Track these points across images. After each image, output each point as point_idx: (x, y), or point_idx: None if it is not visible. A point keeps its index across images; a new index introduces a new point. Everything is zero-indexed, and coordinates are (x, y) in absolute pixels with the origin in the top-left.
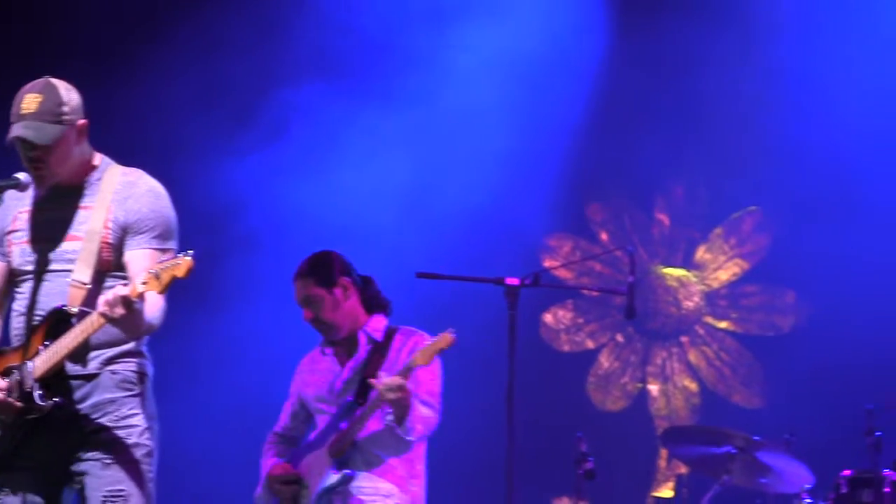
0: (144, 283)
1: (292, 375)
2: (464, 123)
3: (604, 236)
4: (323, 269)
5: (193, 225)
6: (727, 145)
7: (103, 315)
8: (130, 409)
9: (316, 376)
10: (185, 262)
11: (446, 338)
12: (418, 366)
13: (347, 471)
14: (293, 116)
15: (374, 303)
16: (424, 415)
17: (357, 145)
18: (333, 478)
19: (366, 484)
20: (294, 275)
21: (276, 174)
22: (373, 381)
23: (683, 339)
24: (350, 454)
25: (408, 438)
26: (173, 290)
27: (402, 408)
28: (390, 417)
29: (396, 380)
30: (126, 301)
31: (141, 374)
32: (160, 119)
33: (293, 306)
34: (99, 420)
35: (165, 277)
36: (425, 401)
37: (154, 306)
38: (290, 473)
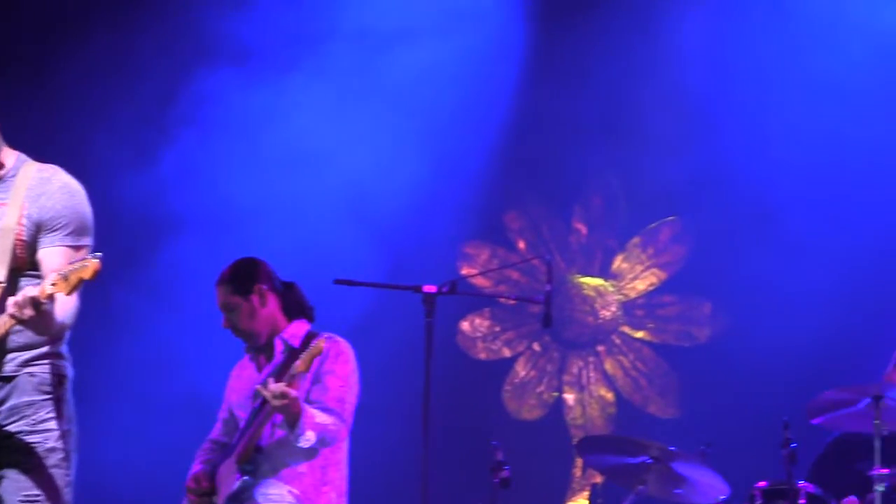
0: (53, 285)
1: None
2: (383, 131)
3: (521, 245)
4: (240, 276)
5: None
6: (645, 155)
7: (12, 316)
8: (48, 412)
9: (240, 382)
10: (91, 264)
11: (319, 345)
12: (300, 373)
13: (248, 477)
14: (205, 109)
15: (296, 308)
16: (321, 422)
17: (275, 154)
18: (235, 485)
19: (273, 491)
20: (216, 281)
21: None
22: (259, 387)
23: (600, 348)
24: (258, 461)
25: (299, 445)
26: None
27: (290, 415)
28: (282, 423)
29: (280, 387)
30: (35, 302)
31: (59, 377)
32: (71, 118)
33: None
34: (15, 423)
35: (73, 279)
36: (331, 408)
37: (65, 307)
38: (199, 486)
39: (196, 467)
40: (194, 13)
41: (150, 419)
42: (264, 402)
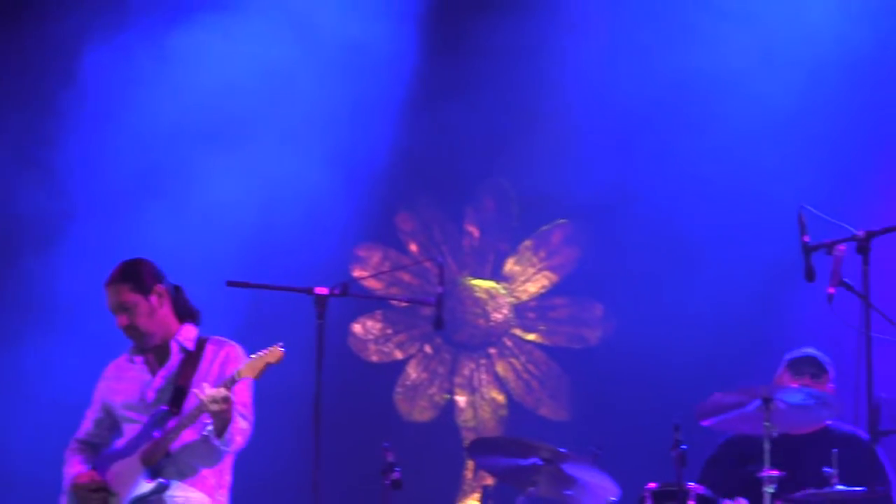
0: None
1: (95, 382)
2: (276, 133)
3: (413, 247)
4: (138, 275)
5: None
6: (537, 159)
7: None
8: None
9: (124, 384)
10: None
11: (275, 352)
12: (244, 377)
13: (163, 480)
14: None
15: (185, 311)
16: (242, 427)
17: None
18: (147, 486)
19: (178, 493)
20: (106, 281)
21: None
22: (196, 391)
23: (491, 350)
24: (163, 463)
25: (226, 450)
26: None
27: (223, 420)
28: (210, 429)
29: (221, 391)
30: None
31: None
32: None
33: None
34: None
35: None
36: (241, 413)
37: None
38: (98, 481)
39: (77, 467)
40: None
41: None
42: (173, 404)
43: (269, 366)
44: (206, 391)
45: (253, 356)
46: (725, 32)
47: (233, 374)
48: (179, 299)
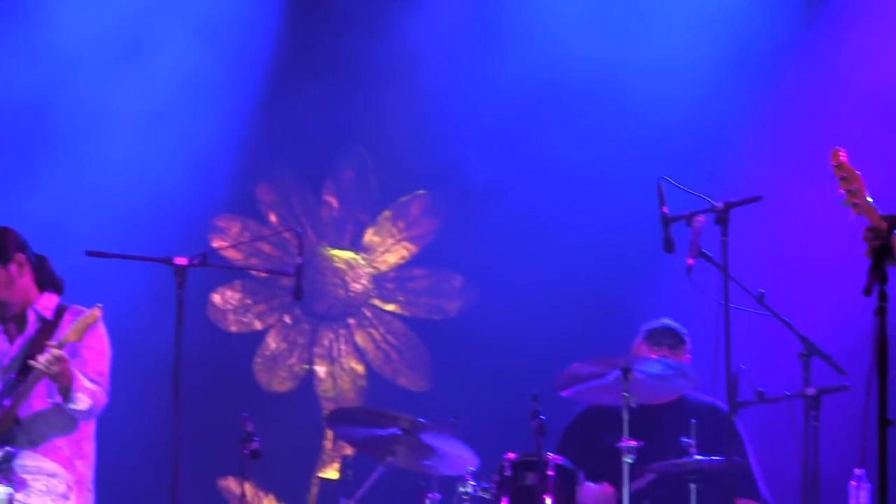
0: None
1: None
2: (137, 104)
3: (273, 218)
4: None
5: None
6: (396, 129)
7: None
8: None
9: None
10: None
11: (94, 314)
12: (70, 341)
13: (10, 448)
14: None
15: (47, 281)
16: (91, 388)
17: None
18: None
19: (30, 462)
20: None
21: None
22: (32, 362)
23: (351, 321)
24: (14, 432)
25: (75, 408)
26: None
27: (65, 379)
28: (57, 396)
29: (54, 353)
30: None
31: None
32: None
33: None
34: None
35: None
36: (94, 379)
37: None
38: None
39: None
40: None
41: None
42: (21, 372)
43: (89, 327)
44: (39, 358)
45: (75, 321)
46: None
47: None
48: (43, 269)
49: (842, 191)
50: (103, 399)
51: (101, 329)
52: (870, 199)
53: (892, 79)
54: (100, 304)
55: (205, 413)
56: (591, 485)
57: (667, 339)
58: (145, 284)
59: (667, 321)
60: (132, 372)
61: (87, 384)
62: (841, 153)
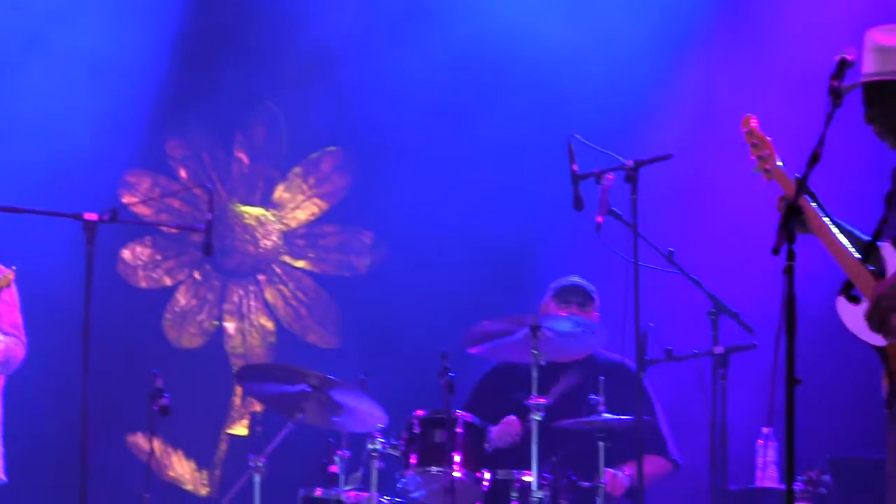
0: None
1: None
2: (45, 59)
3: (183, 173)
4: None
5: None
6: (307, 85)
7: None
8: None
9: None
10: None
11: (7, 277)
12: None
13: None
14: None
15: None
16: (7, 342)
17: None
18: None
19: None
20: None
21: None
22: None
23: (261, 277)
24: None
25: None
26: None
27: None
28: None
29: None
30: None
31: None
32: None
33: None
34: None
35: None
36: (9, 332)
37: None
38: None
39: None
40: None
41: None
42: None
43: (1, 289)
44: None
45: None
46: None
47: None
48: None
49: (753, 157)
50: (21, 351)
51: (12, 285)
52: (780, 164)
53: (805, 46)
54: (14, 267)
55: (114, 369)
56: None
57: (575, 296)
58: (55, 240)
59: (576, 279)
60: (41, 327)
61: (6, 340)
62: (752, 120)
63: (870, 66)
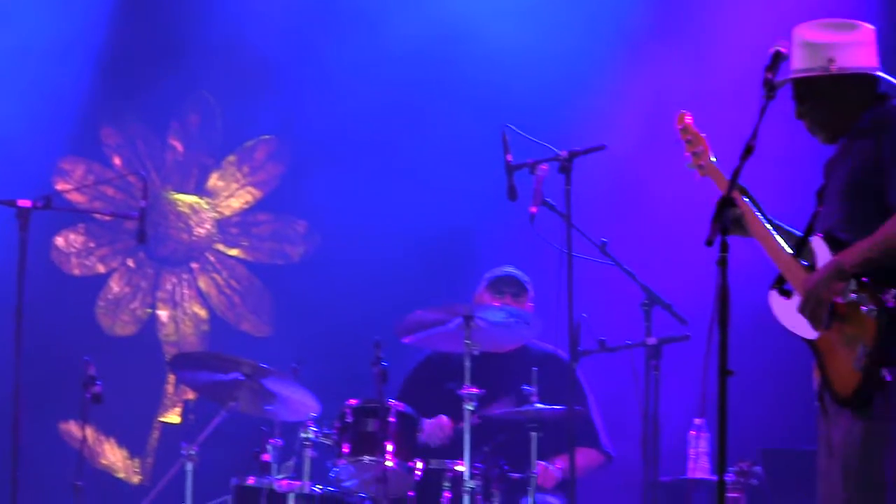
0: None
1: None
2: None
3: (117, 161)
4: None
5: None
6: (243, 73)
7: None
8: None
9: None
10: None
11: None
12: None
13: None
14: None
15: None
16: None
17: None
18: None
19: None
20: None
21: None
22: None
23: (194, 265)
24: None
25: None
26: None
27: None
28: None
29: None
30: None
31: None
32: None
33: None
34: None
35: None
36: None
37: None
38: None
39: None
40: None
41: None
42: None
43: None
44: None
45: None
46: None
47: None
48: None
49: (687, 153)
50: None
51: None
52: (713, 160)
53: (739, 40)
54: None
55: (46, 356)
56: (428, 420)
57: (509, 287)
58: None
59: (510, 269)
60: None
61: None
62: (686, 116)
63: (798, 63)
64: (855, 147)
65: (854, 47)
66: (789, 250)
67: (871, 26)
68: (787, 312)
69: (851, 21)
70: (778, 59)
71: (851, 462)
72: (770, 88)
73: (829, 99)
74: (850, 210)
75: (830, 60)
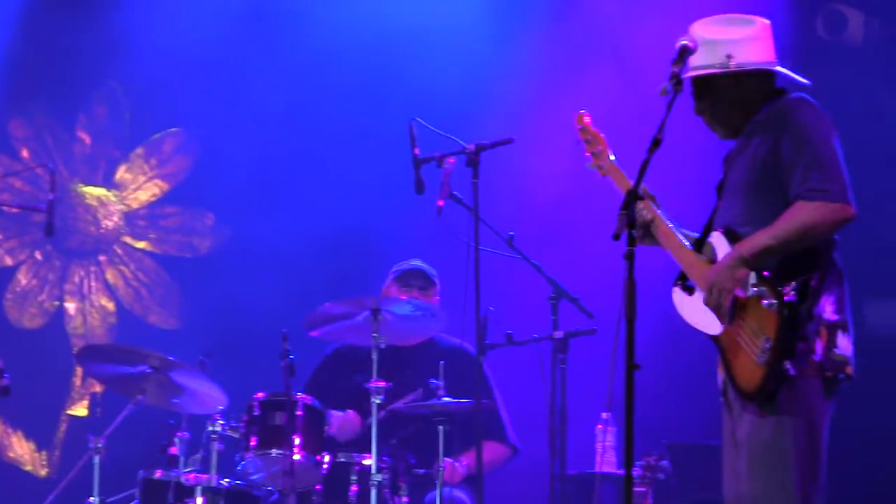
0: None
1: None
2: None
3: (25, 153)
4: None
5: None
6: (149, 66)
7: None
8: None
9: None
10: None
11: None
12: None
13: None
14: None
15: None
16: None
17: None
18: None
19: None
20: None
21: None
22: None
23: (102, 258)
24: None
25: None
26: None
27: None
28: None
29: None
30: None
31: None
32: None
33: None
34: None
35: None
36: None
37: None
38: None
39: None
40: None
41: None
42: None
43: None
44: None
45: None
46: None
47: None
48: None
49: (587, 153)
50: None
51: None
52: (613, 159)
53: (645, 35)
54: None
55: None
56: (337, 413)
57: (416, 280)
58: None
59: (417, 263)
60: None
61: None
62: (585, 116)
63: (696, 60)
64: (754, 141)
65: (751, 43)
66: (690, 247)
67: (766, 21)
68: (691, 308)
69: (747, 16)
70: (685, 54)
71: (757, 457)
72: (677, 82)
73: (729, 95)
74: (750, 205)
75: (729, 57)
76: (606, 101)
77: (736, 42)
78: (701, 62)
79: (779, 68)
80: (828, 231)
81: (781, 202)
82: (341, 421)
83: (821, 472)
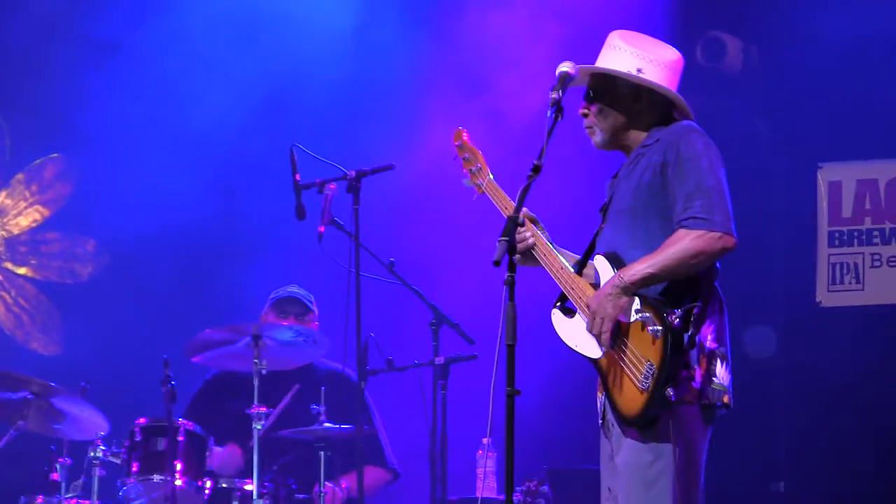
0: None
1: None
2: None
3: None
4: None
5: None
6: (30, 92)
7: None
8: None
9: None
10: None
11: None
12: None
13: None
14: None
15: None
16: None
17: None
18: None
19: None
20: None
21: None
22: None
23: None
24: None
25: None
26: None
27: None
28: None
29: None
30: None
31: None
32: None
33: None
34: None
35: None
36: None
37: None
38: None
39: None
40: None
41: None
42: None
43: None
44: None
45: None
46: None
47: None
48: None
49: (465, 171)
50: None
51: None
52: (491, 177)
53: (529, 58)
54: None
55: None
56: (218, 449)
57: (293, 307)
58: None
59: (294, 289)
60: None
61: None
62: (463, 133)
63: (607, 62)
64: (640, 165)
65: (664, 68)
66: (571, 269)
67: (681, 57)
68: (570, 331)
69: (670, 46)
70: (565, 81)
71: (636, 482)
72: (558, 109)
73: (624, 104)
74: (634, 229)
75: (639, 70)
76: (491, 127)
77: (651, 60)
78: (612, 65)
79: (680, 100)
80: (709, 260)
81: (666, 228)
82: (223, 457)
83: (698, 499)
